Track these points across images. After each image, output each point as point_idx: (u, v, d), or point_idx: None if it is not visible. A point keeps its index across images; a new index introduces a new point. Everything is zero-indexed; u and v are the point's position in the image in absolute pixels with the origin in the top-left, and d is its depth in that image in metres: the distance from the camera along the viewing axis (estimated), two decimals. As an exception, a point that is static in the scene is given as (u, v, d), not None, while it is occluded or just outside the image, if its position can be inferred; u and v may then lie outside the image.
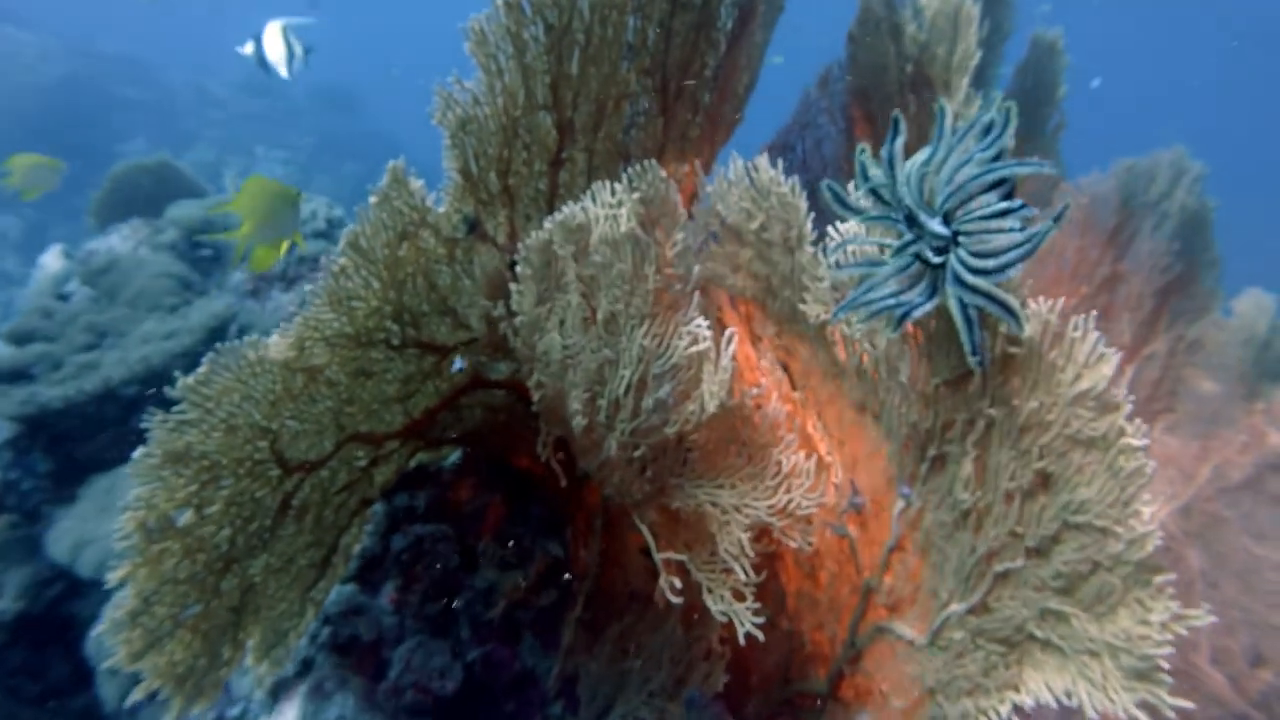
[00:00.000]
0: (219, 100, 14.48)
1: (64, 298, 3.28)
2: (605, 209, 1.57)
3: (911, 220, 1.16)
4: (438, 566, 2.40)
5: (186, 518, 1.53)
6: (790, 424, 1.64)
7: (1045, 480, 1.28)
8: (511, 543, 2.47)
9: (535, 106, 1.81)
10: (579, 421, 1.64)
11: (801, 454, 1.59)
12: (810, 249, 1.62)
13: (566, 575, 2.38)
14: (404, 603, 2.31)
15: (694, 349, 1.57)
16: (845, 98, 2.34)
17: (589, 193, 1.58)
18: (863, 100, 2.23)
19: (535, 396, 1.71)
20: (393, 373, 1.82)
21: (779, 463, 1.61)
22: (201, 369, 1.50)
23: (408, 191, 1.64)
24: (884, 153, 1.14)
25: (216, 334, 3.10)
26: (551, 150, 1.91)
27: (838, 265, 1.39)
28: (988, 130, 1.11)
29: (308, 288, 1.59)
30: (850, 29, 2.21)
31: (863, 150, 1.15)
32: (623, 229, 1.55)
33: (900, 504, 1.56)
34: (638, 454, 1.62)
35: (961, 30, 1.92)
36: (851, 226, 1.47)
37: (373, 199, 1.61)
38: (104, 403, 2.86)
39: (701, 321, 1.58)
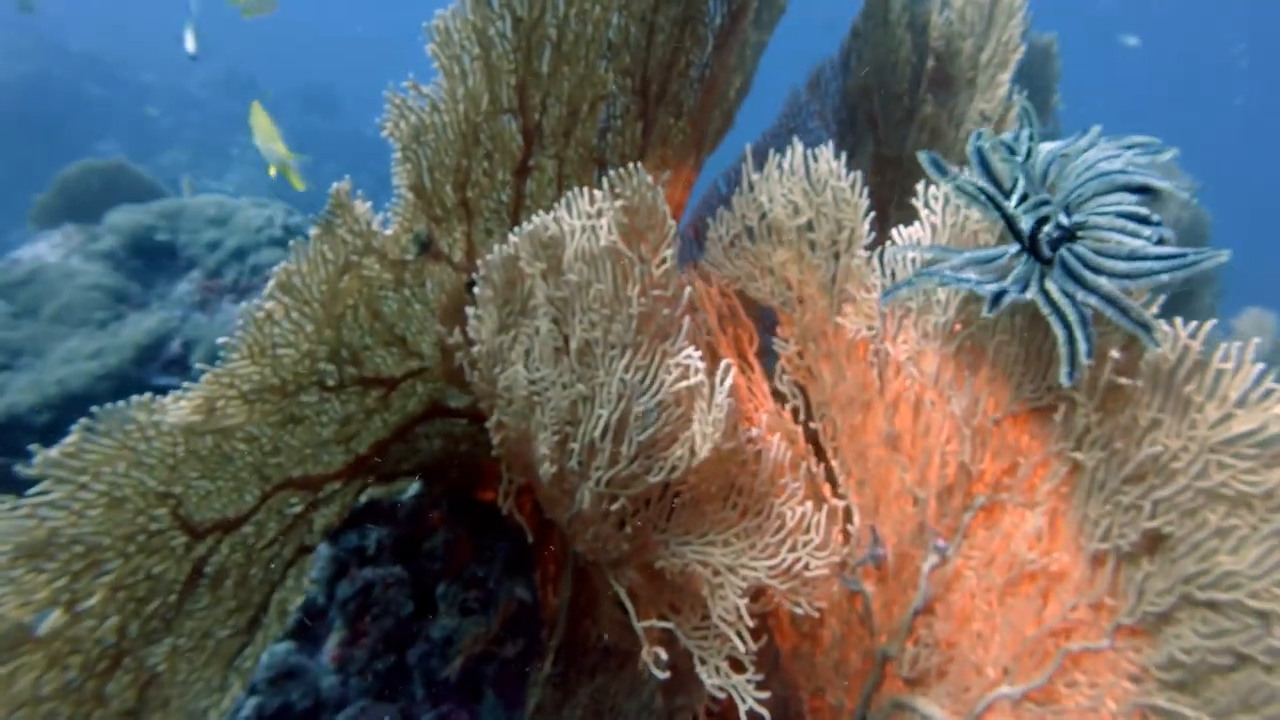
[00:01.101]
0: (196, 101, 13.97)
1: (-24, 312, 2.93)
2: (583, 219, 1.29)
3: (1027, 203, 0.92)
4: (389, 615, 2.09)
5: (51, 621, 1.22)
6: (796, 469, 1.36)
7: (1156, 542, 1.01)
8: (474, 586, 2.16)
9: (499, 110, 1.53)
10: (547, 469, 1.35)
11: (809, 505, 1.32)
12: (863, 253, 1.35)
13: (535, 623, 2.09)
14: (348, 659, 2.01)
15: (684, 384, 1.30)
16: (838, 100, 2.09)
17: (564, 200, 1.31)
18: (864, 99, 1.98)
19: (495, 439, 1.42)
20: (329, 415, 1.52)
21: (782, 515, 1.33)
22: (71, 438, 1.18)
23: (352, 216, 1.35)
24: (1008, 138, 0.88)
25: (149, 352, 2.77)
26: (517, 158, 1.63)
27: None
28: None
29: (235, 327, 1.29)
30: (854, 23, 1.96)
31: (979, 135, 0.89)
32: (603, 243, 1.28)
33: (933, 559, 1.30)
34: (615, 506, 1.34)
35: (998, 21, 1.67)
36: (915, 232, 1.22)
37: (314, 230, 1.33)
38: (8, 432, 2.50)
39: (693, 352, 1.31)
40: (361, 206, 1.37)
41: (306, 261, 1.32)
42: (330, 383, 1.48)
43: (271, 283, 1.29)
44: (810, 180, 1.41)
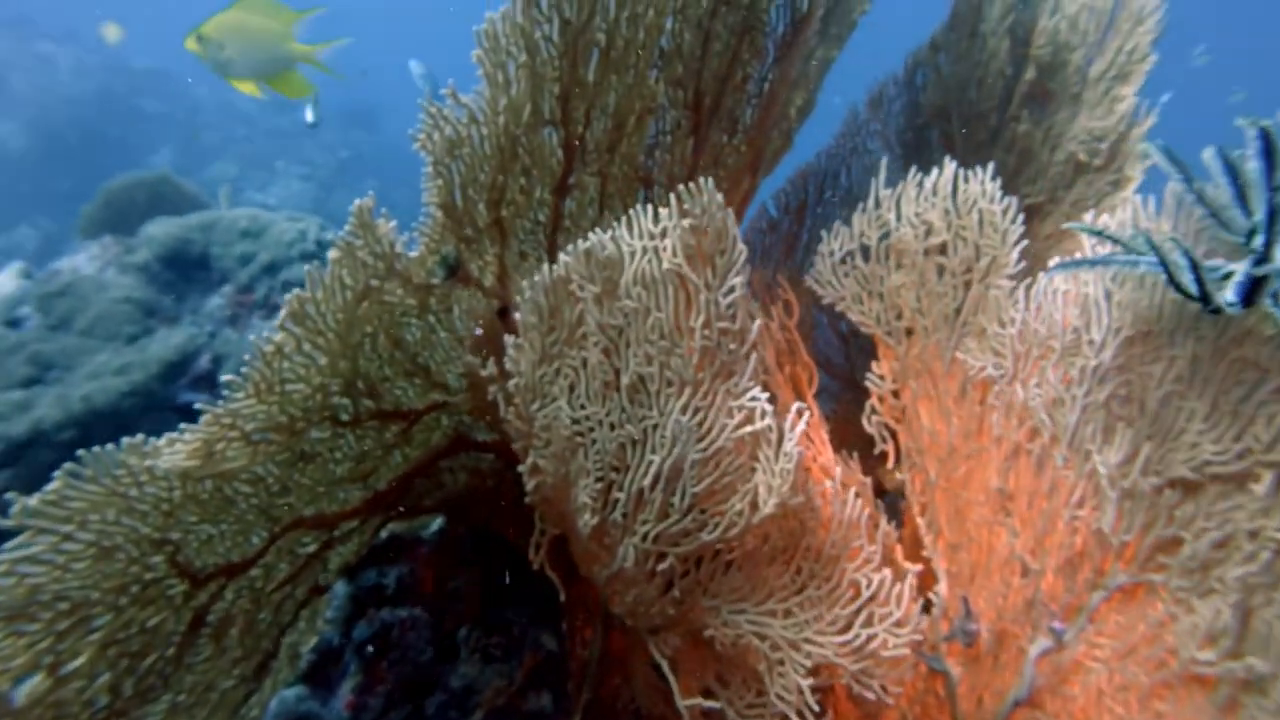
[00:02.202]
0: (244, 115, 13.96)
1: (15, 323, 2.77)
2: (645, 239, 1.10)
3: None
4: (408, 660, 1.87)
5: (31, 687, 1.02)
6: (873, 530, 1.15)
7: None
8: (498, 631, 1.94)
9: (540, 122, 1.34)
10: (587, 520, 1.15)
11: (886, 573, 1.11)
12: (1006, 283, 1.15)
13: (560, 675, 1.87)
14: (363, 707, 1.80)
15: (748, 429, 1.10)
16: (901, 120, 1.89)
17: (624, 219, 1.11)
18: (939, 118, 1.78)
19: (530, 484, 1.22)
20: (343, 451, 1.33)
21: (855, 583, 1.12)
22: (54, 484, 0.99)
23: (374, 237, 1.17)
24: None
25: (176, 368, 2.60)
26: (556, 174, 1.44)
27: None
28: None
29: (231, 375, 1.09)
30: (934, 36, 1.76)
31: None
32: (665, 265, 1.08)
33: (1044, 642, 1.08)
34: (663, 566, 1.14)
35: (1120, 27, 1.47)
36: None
37: (333, 252, 1.14)
38: (32, 449, 2.33)
39: (759, 394, 1.11)
40: (385, 226, 1.18)
41: (323, 288, 1.13)
42: (345, 418, 1.28)
43: (283, 312, 1.10)
44: (955, 201, 1.21)
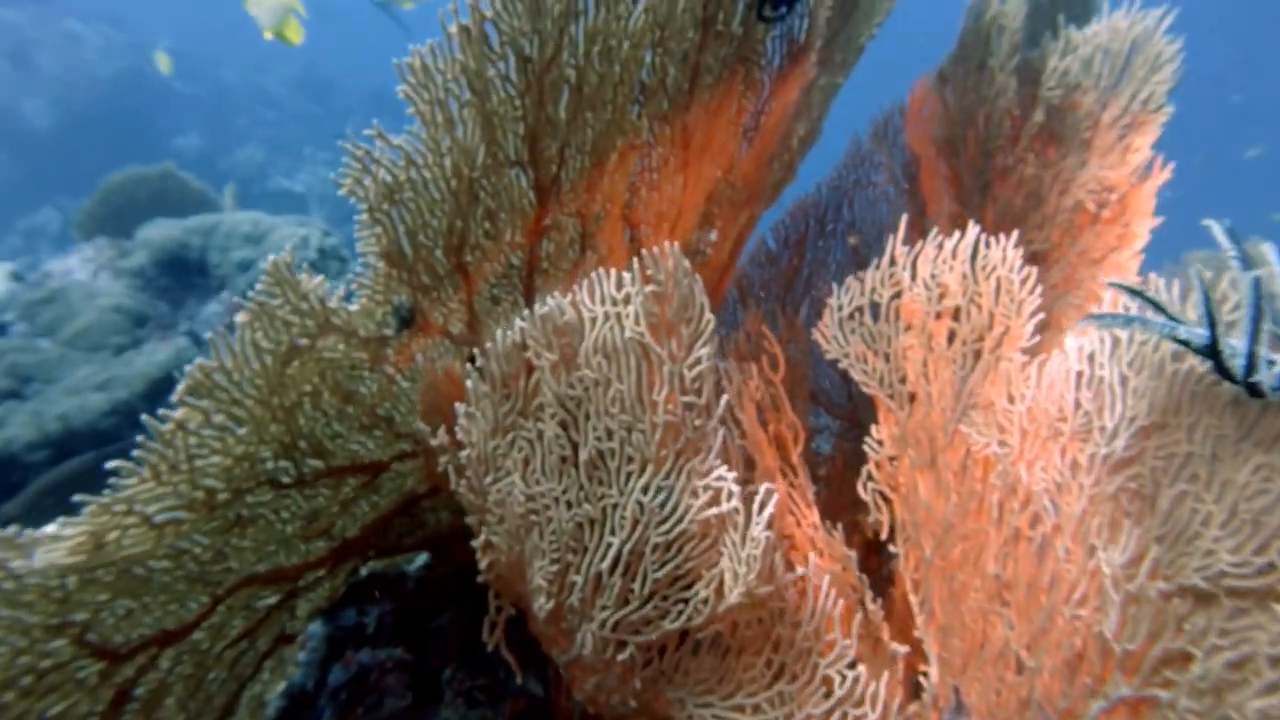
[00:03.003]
0: (274, 99, 13.93)
1: (1, 329, 2.73)
2: (606, 305, 1.02)
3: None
4: (384, 707, 1.82)
5: None
6: (848, 622, 1.07)
7: None
8: (483, 673, 1.88)
9: (504, 163, 1.26)
10: (543, 604, 1.08)
11: (862, 669, 1.03)
12: (1019, 357, 1.07)
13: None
14: (333, 758, 1.74)
15: (713, 511, 1.02)
16: (907, 153, 1.80)
17: (585, 282, 1.04)
18: (947, 154, 1.68)
19: (483, 562, 1.15)
20: (290, 511, 1.27)
21: (828, 680, 1.04)
22: None
23: (297, 294, 1.09)
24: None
25: (161, 385, 2.54)
26: (529, 216, 1.36)
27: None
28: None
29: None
30: (942, 67, 1.65)
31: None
32: (628, 334, 1.01)
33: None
34: (623, 655, 1.06)
35: (1135, 74, 1.36)
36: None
37: (242, 316, 1.07)
38: (2, 470, 2.27)
39: (725, 473, 1.03)
40: (310, 283, 1.11)
41: (232, 356, 1.07)
42: (286, 480, 1.22)
43: (182, 386, 1.03)
44: (974, 264, 1.13)
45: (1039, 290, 1.10)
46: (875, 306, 1.24)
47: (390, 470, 1.46)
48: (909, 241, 1.84)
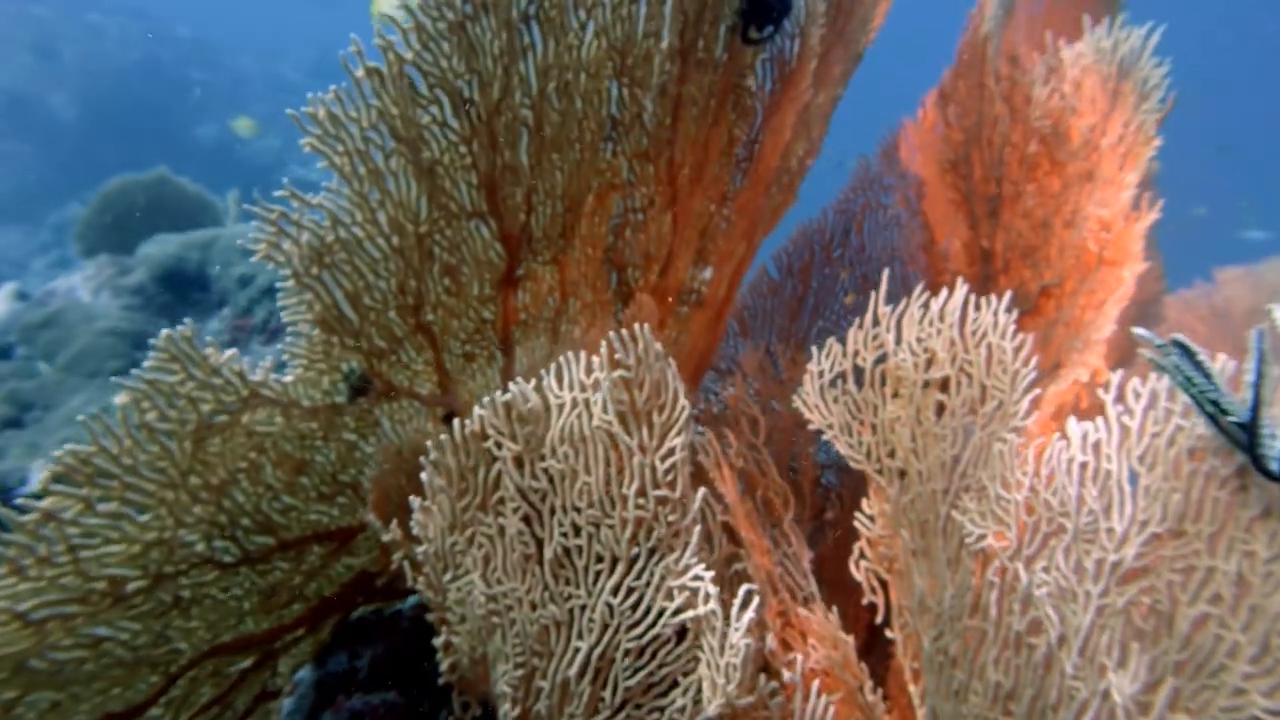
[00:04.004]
0: (290, 85, 13.85)
1: (4, 352, 2.69)
2: (573, 391, 0.93)
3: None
4: (375, 760, 1.74)
5: None
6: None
7: None
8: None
9: (458, 215, 1.17)
10: (508, 711, 1.00)
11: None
12: (1013, 437, 0.97)
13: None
14: (320, 820, 1.68)
15: (689, 614, 0.93)
16: (920, 174, 1.67)
17: (553, 366, 0.95)
18: (954, 177, 1.55)
19: (444, 664, 1.06)
20: (242, 588, 1.20)
21: (819, 798, 0.95)
22: None
23: (205, 369, 1.01)
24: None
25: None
26: (498, 268, 1.27)
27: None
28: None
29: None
30: (943, 83, 1.52)
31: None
32: (595, 422, 0.91)
33: None
34: (597, 768, 0.98)
35: (1125, 100, 1.22)
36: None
37: (122, 397, 0.99)
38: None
39: (702, 573, 0.93)
40: (219, 356, 1.03)
41: (112, 439, 0.98)
42: (229, 559, 1.14)
43: (46, 474, 0.95)
44: (962, 329, 1.02)
45: (1034, 361, 0.99)
46: (861, 372, 1.13)
47: (365, 532, 1.38)
48: (924, 270, 1.73)
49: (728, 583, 1.23)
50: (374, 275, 1.14)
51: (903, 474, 1.10)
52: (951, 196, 1.57)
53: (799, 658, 1.01)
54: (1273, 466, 0.80)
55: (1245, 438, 0.80)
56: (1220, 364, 0.84)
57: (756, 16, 1.27)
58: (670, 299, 1.50)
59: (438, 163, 1.14)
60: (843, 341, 1.11)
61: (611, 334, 0.93)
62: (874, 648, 1.33)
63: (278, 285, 1.10)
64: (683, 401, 0.95)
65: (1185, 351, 0.84)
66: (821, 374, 1.12)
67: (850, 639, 1.14)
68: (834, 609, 1.16)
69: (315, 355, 1.12)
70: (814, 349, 1.12)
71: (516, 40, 1.12)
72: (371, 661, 1.79)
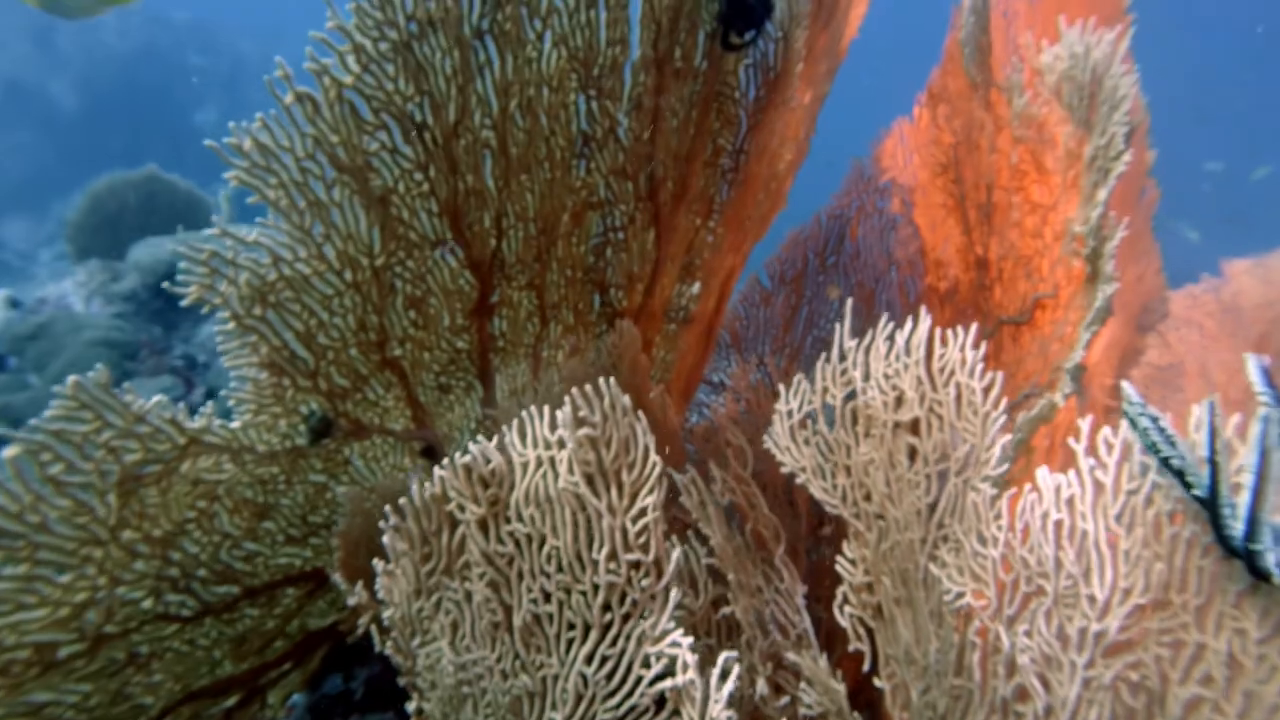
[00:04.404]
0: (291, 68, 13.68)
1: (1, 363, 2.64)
2: (538, 450, 0.87)
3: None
4: (371, 784, 1.71)
5: None
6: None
7: None
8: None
9: (419, 244, 1.10)
10: (482, 785, 0.94)
11: None
12: (986, 489, 0.90)
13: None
14: None
15: (667, 684, 0.87)
16: (916, 177, 1.59)
17: (516, 423, 0.88)
18: (946, 180, 1.46)
19: (414, 735, 1.00)
20: (209, 638, 1.14)
21: None
22: None
23: (127, 416, 0.94)
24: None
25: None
26: (470, 297, 1.20)
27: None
28: None
29: None
30: (930, 83, 1.42)
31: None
32: (561, 484, 0.85)
33: None
34: (577, 842, 0.92)
35: (1101, 112, 1.12)
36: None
37: (9, 451, 0.92)
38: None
39: (680, 639, 0.87)
40: (142, 403, 0.96)
41: (7, 496, 0.91)
42: (187, 613, 1.08)
43: None
44: (929, 368, 0.94)
45: (1004, 405, 0.92)
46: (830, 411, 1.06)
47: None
48: (920, 277, 1.64)
49: (715, 628, 1.17)
50: (327, 312, 1.07)
51: (880, 518, 1.03)
52: (944, 201, 1.48)
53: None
54: (1236, 545, 0.73)
55: (1208, 514, 0.74)
56: (1196, 419, 0.76)
57: (737, 21, 1.18)
58: (657, 318, 1.43)
59: (391, 191, 1.06)
60: (811, 378, 1.04)
61: (574, 390, 0.86)
62: (868, 687, 1.27)
63: (216, 329, 1.03)
64: (653, 458, 0.87)
65: (1151, 418, 0.77)
66: (790, 414, 1.05)
67: (842, 687, 1.08)
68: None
69: (265, 400, 1.05)
70: (783, 392, 1.05)
71: (471, 58, 1.04)
72: (367, 682, 1.74)
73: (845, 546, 1.07)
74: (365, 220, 1.05)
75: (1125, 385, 0.81)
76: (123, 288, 2.90)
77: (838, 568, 1.08)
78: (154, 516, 0.99)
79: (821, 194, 1.70)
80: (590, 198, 1.24)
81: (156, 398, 0.97)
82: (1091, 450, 0.82)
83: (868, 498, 1.02)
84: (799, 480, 1.06)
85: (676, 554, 0.89)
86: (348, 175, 1.01)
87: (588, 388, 0.86)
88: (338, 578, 1.03)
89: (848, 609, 1.07)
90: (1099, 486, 0.81)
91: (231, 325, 1.01)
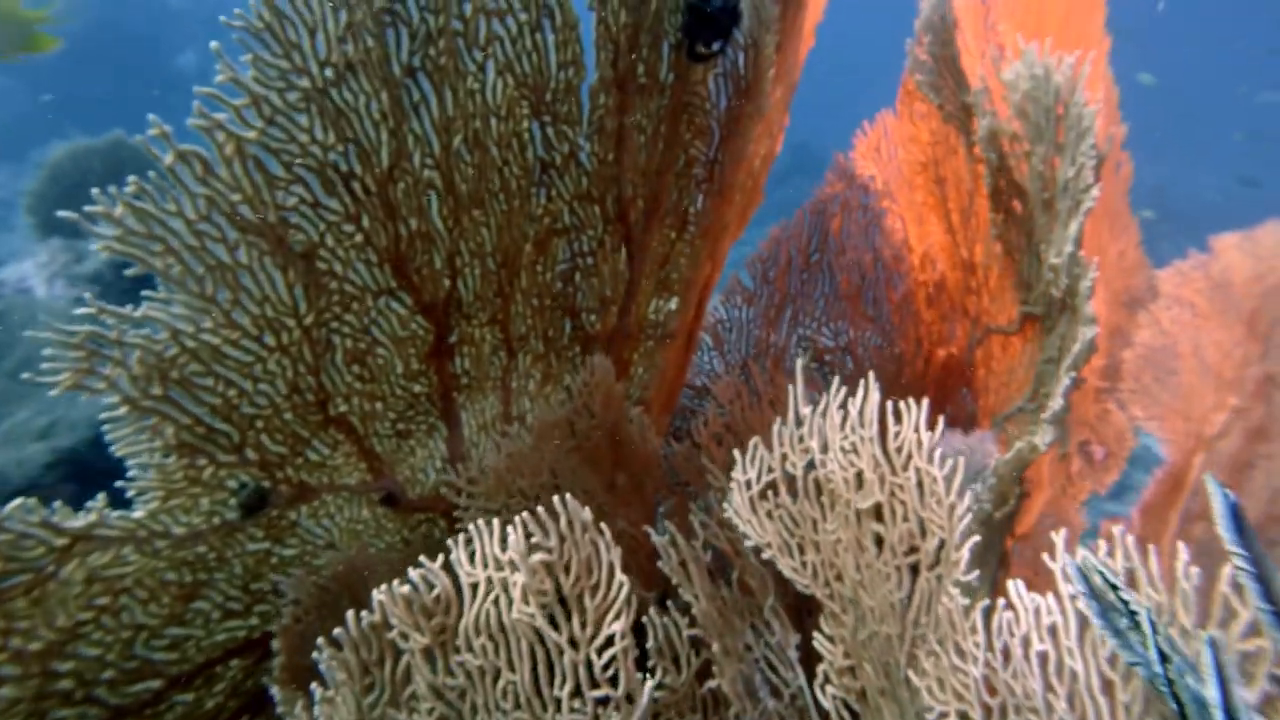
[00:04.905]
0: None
1: (-41, 353, 2.45)
2: (488, 571, 0.72)
3: None
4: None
5: None
6: None
7: None
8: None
9: (359, 296, 0.93)
10: None
11: None
12: (958, 597, 0.77)
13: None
14: None
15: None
16: (902, 171, 1.40)
17: (462, 539, 0.74)
18: (924, 179, 1.27)
19: None
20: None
21: None
22: None
23: None
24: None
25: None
26: (425, 340, 1.03)
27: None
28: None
29: None
30: (905, 75, 1.21)
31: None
32: (514, 613, 0.71)
33: None
34: None
35: (1068, 140, 0.94)
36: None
37: None
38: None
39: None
40: (19, 512, 0.81)
41: None
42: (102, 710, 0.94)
43: None
44: (884, 447, 0.79)
45: (970, 499, 0.77)
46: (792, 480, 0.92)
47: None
48: (904, 276, 1.48)
49: (700, 704, 1.04)
50: (250, 381, 0.91)
51: (854, 603, 0.89)
52: (925, 199, 1.31)
53: None
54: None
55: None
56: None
57: (703, 31, 0.99)
58: (634, 338, 1.27)
59: (318, 246, 0.89)
60: (768, 449, 0.89)
61: (525, 515, 0.71)
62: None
63: (102, 415, 0.86)
64: (619, 578, 0.73)
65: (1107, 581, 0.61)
66: (749, 484, 0.90)
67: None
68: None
69: (177, 485, 0.90)
70: (739, 460, 0.91)
71: (403, 97, 0.86)
72: None
73: (823, 622, 0.94)
74: (282, 280, 0.88)
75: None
76: (86, 269, 2.70)
77: (816, 644, 0.94)
78: (27, 630, 0.84)
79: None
80: (554, 224, 1.07)
81: (17, 501, 0.81)
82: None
83: (839, 578, 0.88)
84: (765, 555, 0.92)
85: (649, 688, 0.75)
86: (254, 236, 0.83)
87: (544, 508, 0.71)
88: (276, 691, 0.89)
89: (830, 689, 0.94)
90: (1084, 621, 0.68)
91: (123, 410, 0.84)
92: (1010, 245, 1.14)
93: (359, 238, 0.91)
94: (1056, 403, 1.00)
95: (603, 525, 0.73)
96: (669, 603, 1.02)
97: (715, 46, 1.02)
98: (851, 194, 1.46)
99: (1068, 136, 0.97)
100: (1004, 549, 1.41)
